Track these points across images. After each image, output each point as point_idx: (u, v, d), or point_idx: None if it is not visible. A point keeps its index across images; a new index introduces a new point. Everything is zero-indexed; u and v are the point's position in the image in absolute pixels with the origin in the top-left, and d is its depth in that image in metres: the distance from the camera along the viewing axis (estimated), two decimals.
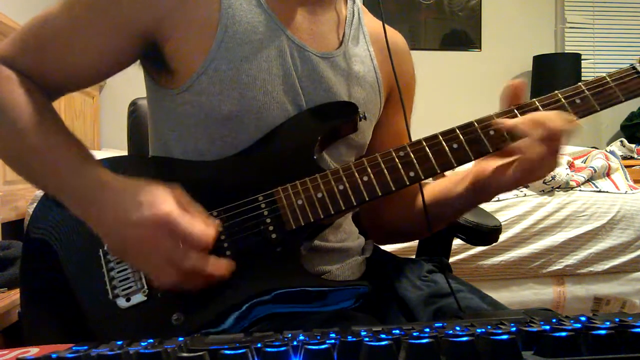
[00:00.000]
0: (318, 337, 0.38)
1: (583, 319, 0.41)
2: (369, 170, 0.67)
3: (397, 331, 0.40)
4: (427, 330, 0.40)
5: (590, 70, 3.40)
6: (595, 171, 1.97)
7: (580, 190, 1.90)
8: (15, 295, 1.33)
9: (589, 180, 1.96)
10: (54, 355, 0.36)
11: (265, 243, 0.66)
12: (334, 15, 0.80)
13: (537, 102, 0.68)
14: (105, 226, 0.62)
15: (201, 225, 0.60)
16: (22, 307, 0.71)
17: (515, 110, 0.68)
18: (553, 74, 3.07)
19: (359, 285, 0.69)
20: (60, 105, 2.12)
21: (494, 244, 1.01)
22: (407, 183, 0.67)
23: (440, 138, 0.67)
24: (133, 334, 0.48)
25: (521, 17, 3.38)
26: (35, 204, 0.73)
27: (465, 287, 0.81)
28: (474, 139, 0.67)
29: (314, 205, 0.66)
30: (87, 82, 0.75)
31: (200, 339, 0.41)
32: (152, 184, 0.62)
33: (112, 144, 2.83)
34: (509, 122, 0.66)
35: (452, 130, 0.67)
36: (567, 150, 2.08)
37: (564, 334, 0.34)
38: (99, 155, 0.71)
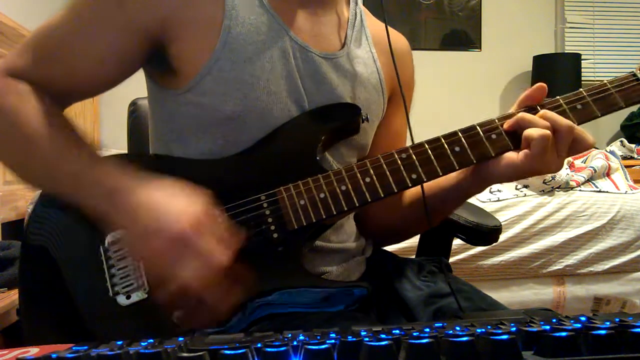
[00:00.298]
0: (318, 337, 0.38)
1: (583, 319, 0.41)
2: (372, 171, 0.67)
3: (397, 331, 0.40)
4: (427, 330, 0.40)
5: (590, 70, 3.39)
6: (595, 171, 1.97)
7: (580, 190, 1.91)
8: (15, 295, 1.33)
9: (589, 180, 1.96)
10: (54, 355, 0.36)
11: (266, 242, 0.66)
12: (335, 17, 0.80)
13: (538, 108, 0.69)
14: (129, 219, 0.60)
15: (221, 252, 0.59)
16: (21, 307, 0.71)
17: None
18: (553, 74, 3.06)
19: (359, 286, 0.69)
20: None
21: (494, 244, 1.01)
22: (410, 185, 0.67)
23: (443, 141, 0.68)
24: (133, 332, 0.48)
25: (521, 17, 3.38)
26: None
27: (465, 287, 0.81)
28: (476, 142, 0.67)
29: (316, 205, 0.66)
30: (97, 88, 0.74)
31: (200, 339, 0.41)
32: (185, 188, 0.61)
33: (112, 144, 2.82)
34: (517, 115, 0.66)
35: (455, 134, 0.68)
36: None
37: (564, 334, 0.34)
38: None
